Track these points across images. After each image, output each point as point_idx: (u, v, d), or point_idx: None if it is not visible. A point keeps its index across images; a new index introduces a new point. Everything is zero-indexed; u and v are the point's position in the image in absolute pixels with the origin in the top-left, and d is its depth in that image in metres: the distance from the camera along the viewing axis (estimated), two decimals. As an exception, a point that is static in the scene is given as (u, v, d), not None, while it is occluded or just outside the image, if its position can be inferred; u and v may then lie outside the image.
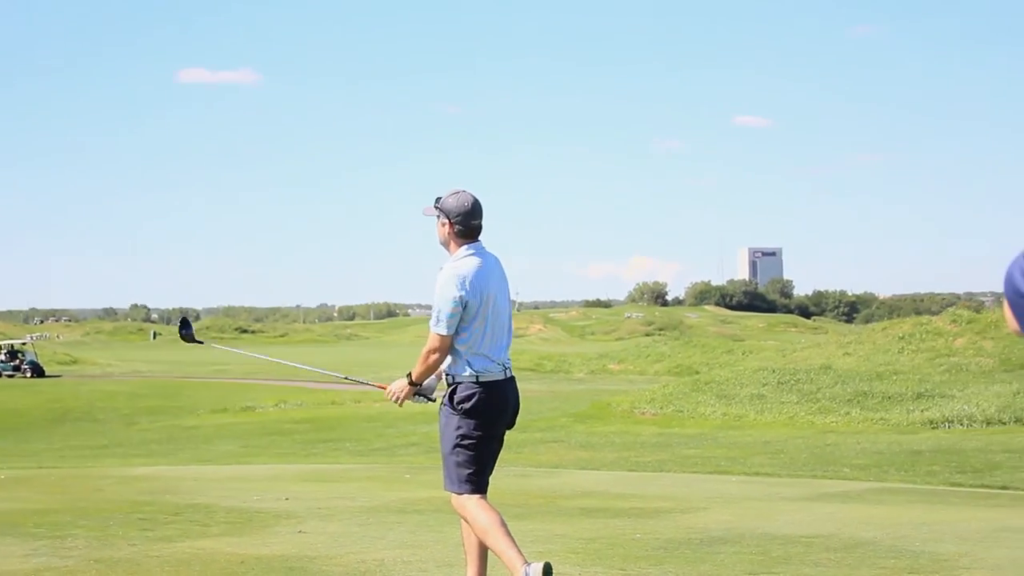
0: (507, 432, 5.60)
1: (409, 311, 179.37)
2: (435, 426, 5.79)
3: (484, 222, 5.53)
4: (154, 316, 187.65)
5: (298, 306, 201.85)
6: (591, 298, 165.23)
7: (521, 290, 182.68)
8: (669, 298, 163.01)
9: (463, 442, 5.39)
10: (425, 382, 5.56)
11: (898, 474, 14.65)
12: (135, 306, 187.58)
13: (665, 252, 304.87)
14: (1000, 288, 3.04)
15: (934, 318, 36.75)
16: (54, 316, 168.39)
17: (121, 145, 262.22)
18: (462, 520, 5.52)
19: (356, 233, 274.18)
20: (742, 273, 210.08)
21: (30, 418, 36.13)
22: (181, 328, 6.19)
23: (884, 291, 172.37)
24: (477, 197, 5.50)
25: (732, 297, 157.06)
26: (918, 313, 62.91)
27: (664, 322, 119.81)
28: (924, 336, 33.18)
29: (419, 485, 12.01)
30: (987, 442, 19.07)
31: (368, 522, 8.64)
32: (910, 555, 6.96)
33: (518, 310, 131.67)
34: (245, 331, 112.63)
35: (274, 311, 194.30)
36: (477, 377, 5.39)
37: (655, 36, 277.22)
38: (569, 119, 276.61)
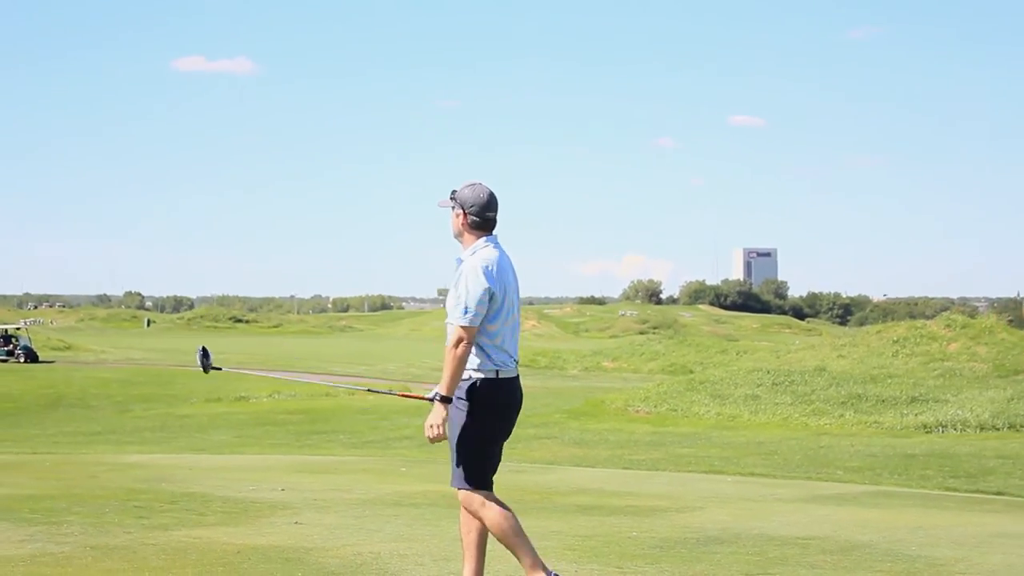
0: None
1: (403, 304, 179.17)
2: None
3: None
4: (148, 304, 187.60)
5: (292, 297, 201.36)
6: (585, 295, 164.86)
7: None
8: (663, 297, 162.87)
9: (479, 438, 5.30)
10: None
11: (892, 478, 14.66)
12: (129, 293, 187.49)
13: (660, 251, 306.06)
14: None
15: (928, 322, 36.68)
16: (48, 302, 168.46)
17: (117, 133, 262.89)
18: (461, 515, 5.43)
19: (352, 225, 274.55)
20: (736, 273, 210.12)
21: (23, 403, 36.05)
22: (202, 357, 6.16)
23: (878, 294, 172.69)
24: (493, 190, 5.44)
25: (726, 297, 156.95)
26: (912, 317, 62.74)
27: (658, 320, 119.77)
28: (918, 340, 33.11)
29: (415, 479, 12.03)
30: (980, 447, 19.11)
31: (364, 514, 8.64)
32: (906, 559, 6.97)
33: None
34: (239, 320, 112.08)
35: (268, 301, 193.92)
36: (497, 372, 5.30)
37: (651, 35, 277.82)
38: (566, 117, 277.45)
